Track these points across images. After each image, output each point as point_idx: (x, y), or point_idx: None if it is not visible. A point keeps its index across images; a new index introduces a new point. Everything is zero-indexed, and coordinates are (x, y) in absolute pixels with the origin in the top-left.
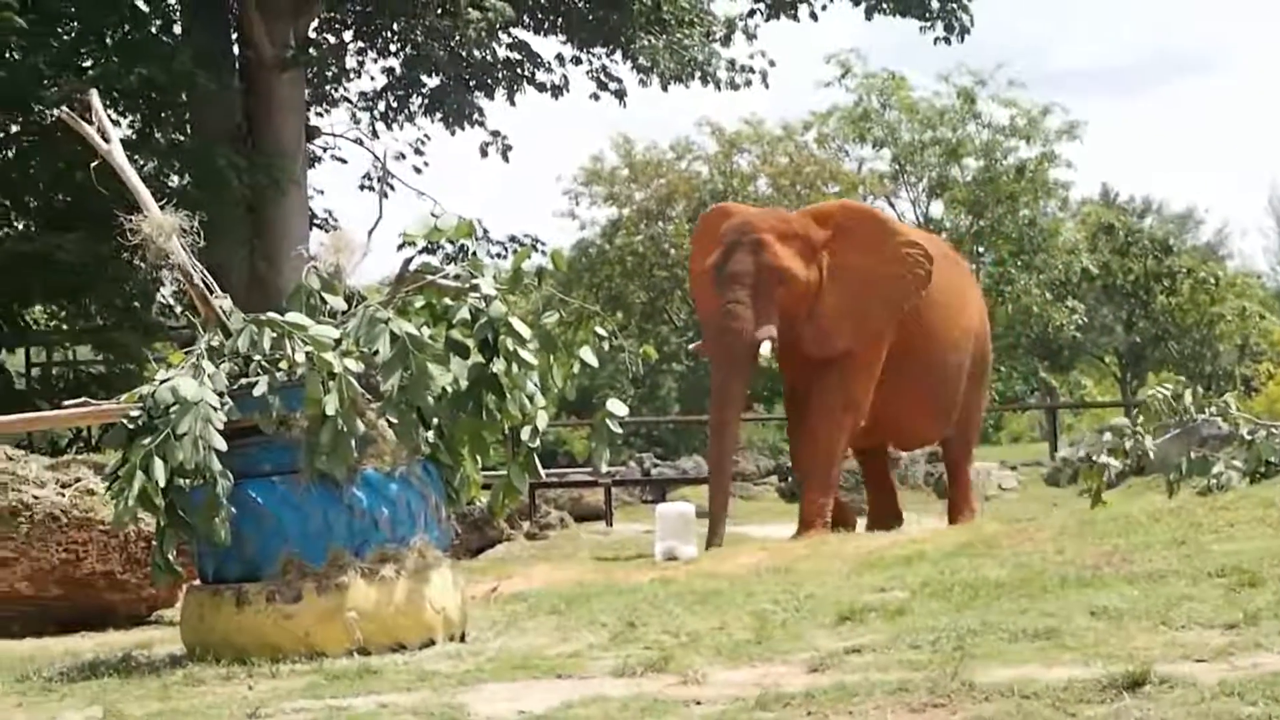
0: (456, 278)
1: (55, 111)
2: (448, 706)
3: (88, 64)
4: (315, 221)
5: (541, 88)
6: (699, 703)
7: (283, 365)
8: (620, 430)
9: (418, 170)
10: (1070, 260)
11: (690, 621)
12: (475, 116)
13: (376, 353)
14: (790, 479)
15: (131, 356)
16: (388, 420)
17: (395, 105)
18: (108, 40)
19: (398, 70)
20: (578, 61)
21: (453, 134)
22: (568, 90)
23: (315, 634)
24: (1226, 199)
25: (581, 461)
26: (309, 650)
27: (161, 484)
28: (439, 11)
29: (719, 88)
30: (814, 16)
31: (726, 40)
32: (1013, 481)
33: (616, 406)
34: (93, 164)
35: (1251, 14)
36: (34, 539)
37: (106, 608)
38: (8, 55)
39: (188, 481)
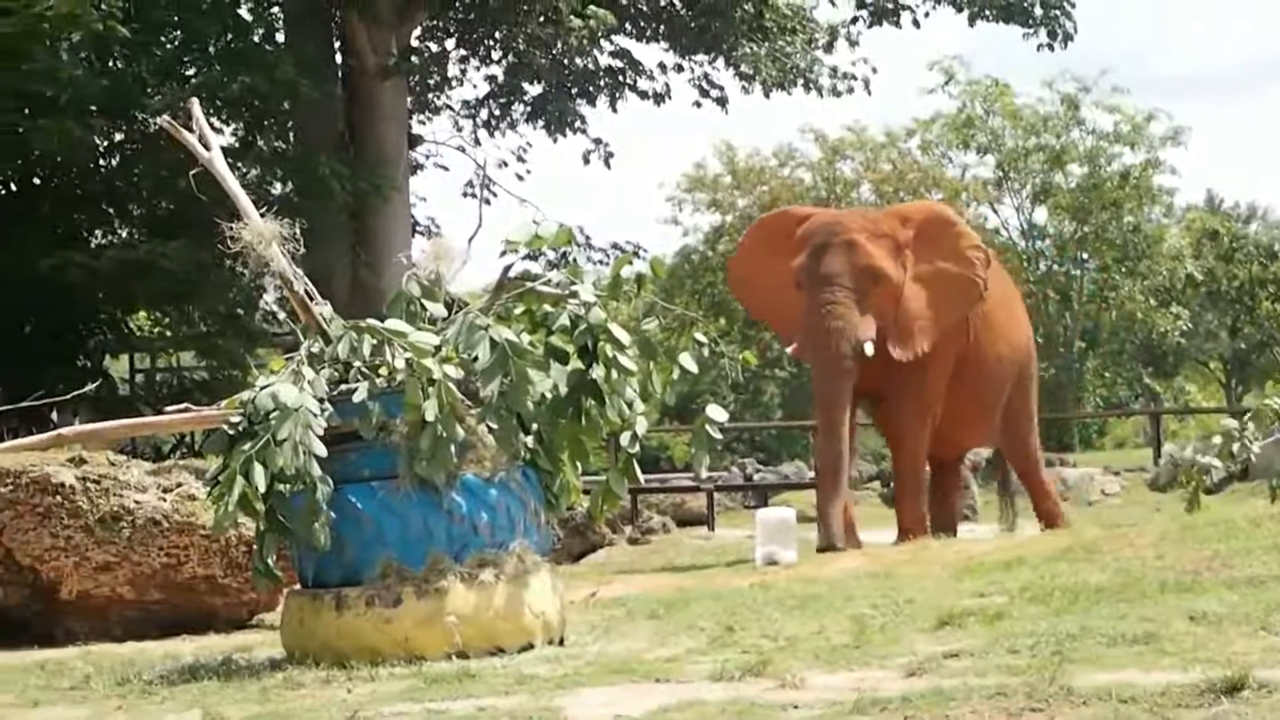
0: (556, 284)
1: (158, 120)
2: (545, 710)
3: (190, 72)
4: (417, 229)
5: (644, 95)
6: (796, 707)
7: (382, 371)
8: (720, 436)
9: (519, 178)
10: (1175, 266)
11: (789, 626)
12: (577, 124)
13: (476, 359)
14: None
15: (234, 363)
16: (487, 426)
17: (497, 113)
18: (210, 49)
19: (500, 78)
20: (680, 69)
21: (555, 141)
22: (670, 98)
23: (414, 638)
24: None
25: (683, 467)
26: (408, 654)
27: (262, 489)
28: (541, 19)
29: (821, 94)
30: (916, 24)
31: (829, 47)
32: (1115, 487)
33: (716, 412)
34: (194, 171)
35: None
36: (136, 543)
37: (207, 612)
38: (112, 64)
39: (288, 487)
